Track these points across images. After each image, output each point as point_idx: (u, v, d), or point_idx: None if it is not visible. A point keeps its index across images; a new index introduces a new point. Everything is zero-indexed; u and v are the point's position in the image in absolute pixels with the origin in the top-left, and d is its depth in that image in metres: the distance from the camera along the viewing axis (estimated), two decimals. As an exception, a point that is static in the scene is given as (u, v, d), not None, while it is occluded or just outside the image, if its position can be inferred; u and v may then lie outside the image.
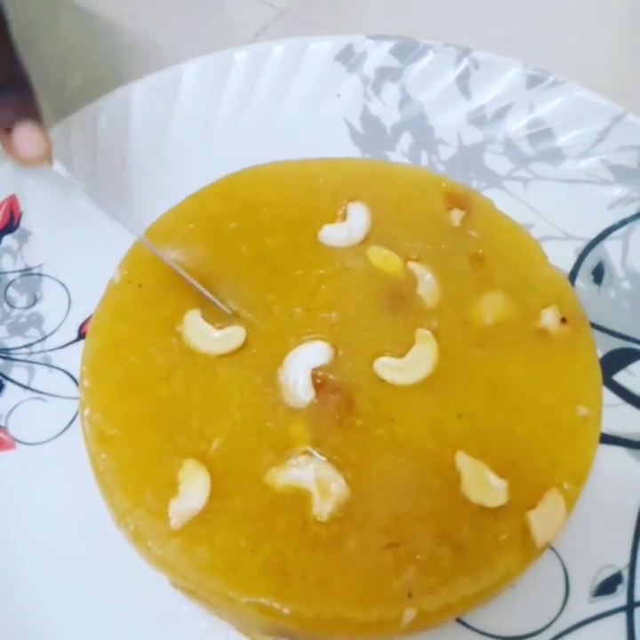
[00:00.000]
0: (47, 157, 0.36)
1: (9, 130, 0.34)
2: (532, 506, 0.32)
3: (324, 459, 0.33)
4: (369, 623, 0.29)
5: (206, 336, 0.37)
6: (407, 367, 0.36)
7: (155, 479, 0.33)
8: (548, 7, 0.58)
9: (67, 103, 0.48)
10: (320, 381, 0.35)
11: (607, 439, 0.36)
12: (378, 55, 0.49)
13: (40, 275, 0.43)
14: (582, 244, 0.43)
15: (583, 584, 0.33)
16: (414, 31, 0.50)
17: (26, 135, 0.35)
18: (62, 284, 0.43)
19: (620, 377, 0.38)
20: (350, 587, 0.30)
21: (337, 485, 0.32)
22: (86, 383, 0.36)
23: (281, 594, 0.30)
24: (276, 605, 0.30)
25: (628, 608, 0.33)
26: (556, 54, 0.51)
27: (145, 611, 0.33)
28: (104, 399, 0.35)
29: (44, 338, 0.41)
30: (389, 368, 0.36)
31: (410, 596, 0.30)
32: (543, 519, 0.31)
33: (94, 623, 0.33)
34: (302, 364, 0.36)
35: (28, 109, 0.35)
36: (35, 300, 0.42)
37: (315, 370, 0.36)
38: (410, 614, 0.29)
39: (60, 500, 0.36)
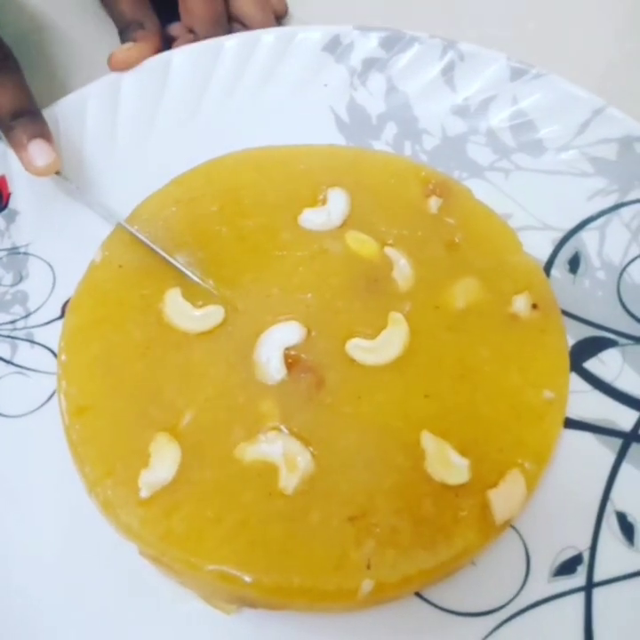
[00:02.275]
0: (56, 168, 0.43)
1: (25, 148, 0.42)
2: (494, 484, 0.33)
3: (293, 434, 0.34)
4: (327, 592, 0.30)
5: (186, 314, 0.38)
6: (378, 348, 0.36)
7: (126, 450, 0.34)
8: (534, 1, 0.58)
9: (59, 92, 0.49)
10: (292, 360, 0.36)
11: (575, 424, 0.37)
12: (365, 46, 0.49)
13: (26, 254, 0.44)
14: (560, 235, 0.43)
15: (544, 564, 0.34)
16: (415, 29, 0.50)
17: (38, 151, 0.42)
18: (48, 263, 0.44)
19: (591, 364, 0.39)
20: (310, 557, 0.31)
21: (303, 459, 0.33)
22: (64, 357, 0.37)
23: (243, 562, 0.31)
24: (237, 573, 0.30)
25: (587, 588, 0.33)
26: (539, 47, 0.52)
27: (111, 578, 0.34)
28: (80, 373, 0.36)
29: (28, 315, 0.42)
30: (361, 349, 0.36)
31: (368, 567, 0.30)
32: (503, 497, 0.32)
33: (62, 588, 0.34)
34: (276, 343, 0.37)
35: (40, 131, 0.43)
36: (20, 278, 0.43)
37: (288, 349, 0.36)
38: (368, 585, 0.30)
39: (37, 470, 0.37)
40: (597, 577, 0.33)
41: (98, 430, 0.35)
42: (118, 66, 0.48)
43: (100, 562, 0.34)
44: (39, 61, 0.55)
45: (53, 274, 0.43)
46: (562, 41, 0.54)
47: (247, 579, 0.30)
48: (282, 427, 0.34)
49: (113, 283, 0.40)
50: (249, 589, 0.30)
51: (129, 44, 0.48)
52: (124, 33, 0.49)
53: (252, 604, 0.31)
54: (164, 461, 0.34)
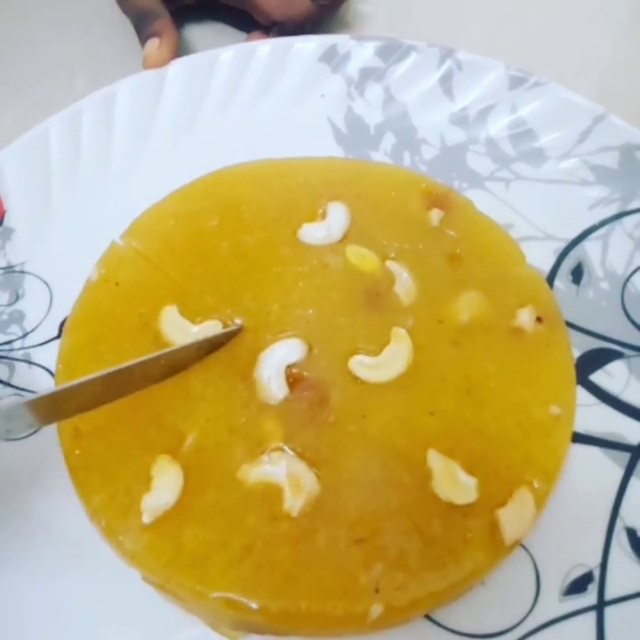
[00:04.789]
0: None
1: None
2: (502, 503, 0.32)
3: (296, 455, 0.33)
4: (335, 617, 0.29)
5: (184, 331, 0.38)
6: (381, 365, 0.36)
7: (127, 475, 0.33)
8: (531, 10, 0.58)
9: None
10: (294, 378, 0.36)
11: (582, 439, 0.36)
12: (362, 56, 0.49)
13: (22, 272, 0.43)
14: (562, 245, 0.43)
15: (554, 582, 0.33)
16: (424, 36, 0.49)
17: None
18: (44, 282, 0.43)
19: (597, 377, 0.38)
20: (318, 581, 0.30)
21: (308, 481, 0.32)
22: (62, 380, 0.36)
23: (248, 588, 0.30)
24: (244, 600, 0.30)
25: (599, 607, 0.32)
26: (538, 55, 0.51)
27: (116, 605, 0.33)
28: (79, 395, 0.35)
29: (25, 335, 0.41)
30: (364, 366, 0.36)
31: (377, 591, 0.30)
32: (512, 517, 0.32)
33: (63, 613, 0.33)
34: (277, 361, 0.36)
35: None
36: (17, 298, 0.42)
37: (289, 367, 0.36)
38: (377, 609, 0.30)
39: (36, 495, 0.36)
40: (609, 595, 0.33)
41: (97, 455, 0.34)
42: (153, 66, 0.48)
43: (102, 587, 0.33)
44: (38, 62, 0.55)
45: (50, 292, 0.43)
46: (561, 41, 0.54)
47: (253, 605, 0.30)
48: (285, 447, 0.34)
49: (110, 301, 0.39)
50: (255, 616, 0.30)
51: (155, 42, 0.49)
52: (142, 24, 0.51)
53: (259, 631, 0.31)
54: (165, 485, 0.33)
